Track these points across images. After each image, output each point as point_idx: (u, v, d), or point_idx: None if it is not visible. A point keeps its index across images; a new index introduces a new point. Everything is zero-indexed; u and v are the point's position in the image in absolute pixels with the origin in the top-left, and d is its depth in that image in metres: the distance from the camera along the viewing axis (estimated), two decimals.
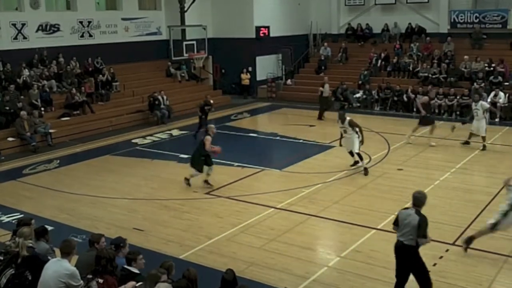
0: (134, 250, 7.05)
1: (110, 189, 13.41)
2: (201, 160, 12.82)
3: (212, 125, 13.66)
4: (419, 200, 7.30)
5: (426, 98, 17.98)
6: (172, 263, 6.53)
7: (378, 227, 10.56)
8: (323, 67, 27.32)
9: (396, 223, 7.50)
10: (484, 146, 16.08)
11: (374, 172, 14.05)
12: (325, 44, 28.39)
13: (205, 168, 13.01)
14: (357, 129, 13.76)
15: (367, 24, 28.40)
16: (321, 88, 21.67)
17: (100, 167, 15.62)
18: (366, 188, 12.95)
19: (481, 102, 16.32)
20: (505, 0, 25.15)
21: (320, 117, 21.26)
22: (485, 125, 16.20)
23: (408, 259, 7.33)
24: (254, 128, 17.55)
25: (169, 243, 10.02)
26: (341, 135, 14.23)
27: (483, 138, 16.10)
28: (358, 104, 23.63)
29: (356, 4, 28.79)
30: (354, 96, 23.78)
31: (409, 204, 7.63)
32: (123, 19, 24.23)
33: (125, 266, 6.57)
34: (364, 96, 23.84)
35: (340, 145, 14.58)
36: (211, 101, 19.25)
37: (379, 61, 25.89)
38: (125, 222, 11.07)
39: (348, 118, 13.91)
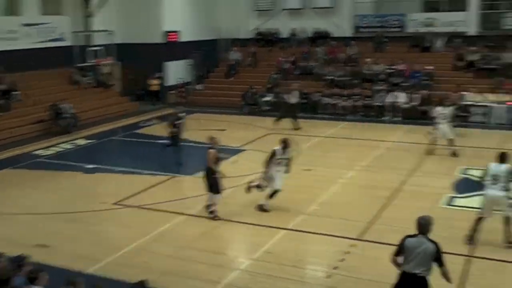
0: (37, 267, 6.73)
1: (11, 204, 12.66)
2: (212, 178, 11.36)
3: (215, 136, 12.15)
4: (425, 227, 6.61)
5: None
6: (79, 280, 6.31)
7: (288, 227, 10.81)
8: (233, 72, 27.52)
9: (400, 252, 6.68)
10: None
11: None
12: (235, 48, 28.61)
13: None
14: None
15: (275, 29, 28.92)
16: (285, 96, 20.73)
17: None
18: None
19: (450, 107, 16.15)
20: (403, 5, 26.51)
21: (277, 120, 20.28)
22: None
23: None
24: (163, 134, 17.22)
25: (76, 258, 9.61)
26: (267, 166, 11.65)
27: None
28: (268, 107, 23.98)
29: (264, 9, 29.23)
30: (263, 99, 24.14)
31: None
32: (24, 24, 23.03)
33: (27, 286, 6.27)
34: (274, 100, 24.18)
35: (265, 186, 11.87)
36: (179, 114, 16.65)
37: (288, 65, 26.43)
38: (27, 239, 10.46)
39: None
